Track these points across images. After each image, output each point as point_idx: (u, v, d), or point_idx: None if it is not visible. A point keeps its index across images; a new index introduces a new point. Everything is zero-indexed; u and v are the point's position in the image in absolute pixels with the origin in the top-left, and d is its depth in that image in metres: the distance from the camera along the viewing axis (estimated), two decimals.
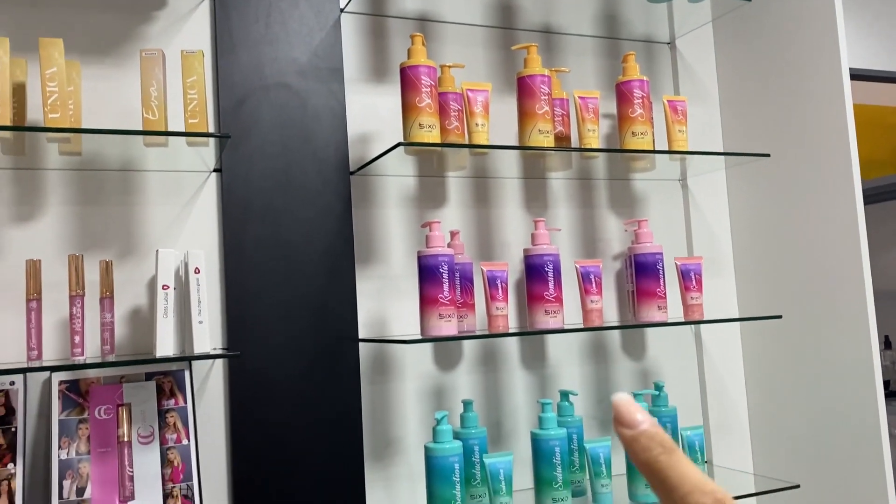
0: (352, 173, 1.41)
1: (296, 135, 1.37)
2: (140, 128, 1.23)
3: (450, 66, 1.38)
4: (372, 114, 1.46)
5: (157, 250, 1.11)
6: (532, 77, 1.33)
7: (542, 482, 1.28)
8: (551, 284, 1.30)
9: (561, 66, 1.62)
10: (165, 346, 1.09)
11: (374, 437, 1.39)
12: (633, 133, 1.41)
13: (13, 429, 1.13)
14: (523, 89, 1.33)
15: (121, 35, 1.29)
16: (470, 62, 1.55)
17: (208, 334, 1.12)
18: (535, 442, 1.29)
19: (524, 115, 1.33)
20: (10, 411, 1.14)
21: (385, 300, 1.43)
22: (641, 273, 1.39)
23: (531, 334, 1.33)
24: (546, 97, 1.33)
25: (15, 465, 1.11)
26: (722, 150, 1.75)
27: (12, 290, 1.17)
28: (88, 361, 1.10)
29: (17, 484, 1.10)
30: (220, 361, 1.29)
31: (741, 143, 1.71)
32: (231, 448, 1.28)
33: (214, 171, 1.33)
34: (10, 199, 1.20)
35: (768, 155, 1.51)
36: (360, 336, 1.39)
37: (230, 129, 1.31)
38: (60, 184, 1.23)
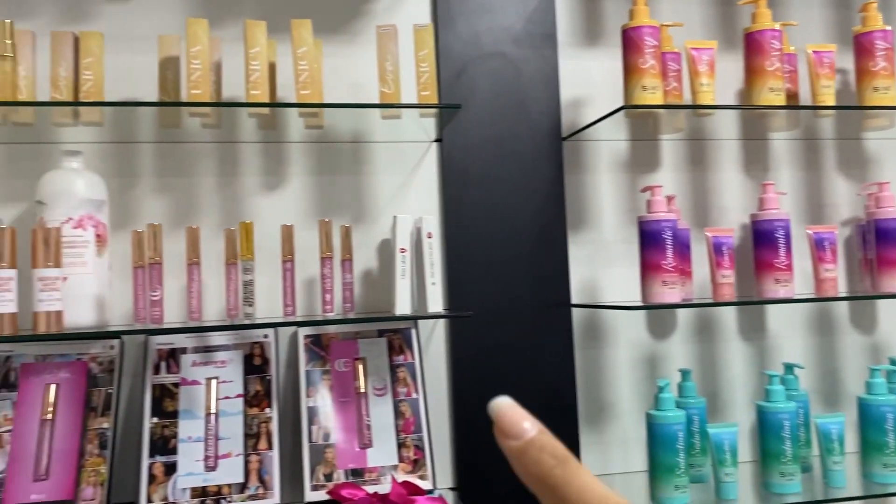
0: (564, 139, 1.41)
1: (510, 102, 1.39)
2: (371, 101, 1.31)
3: (668, 26, 1.34)
4: (584, 78, 1.45)
5: (395, 216, 1.18)
6: (762, 32, 1.26)
7: (768, 456, 1.23)
8: (782, 252, 1.23)
9: (787, 19, 1.51)
10: (403, 305, 1.16)
11: (588, 402, 1.41)
12: (874, 88, 1.30)
13: (268, 377, 1.26)
14: (752, 46, 1.27)
15: (349, 11, 1.37)
16: (683, 20, 1.49)
17: (440, 295, 1.17)
18: (762, 414, 1.24)
19: (753, 73, 1.26)
20: (265, 361, 1.27)
21: (597, 266, 1.43)
22: (883, 240, 1.29)
23: (763, 303, 1.28)
24: (777, 53, 1.25)
25: (271, 409, 1.24)
26: None
27: (265, 253, 1.29)
28: (337, 317, 1.19)
29: (274, 427, 1.23)
30: (441, 321, 1.36)
31: None
32: (453, 403, 1.35)
33: (435, 140, 1.38)
34: (260, 169, 1.32)
35: None
36: (573, 301, 1.40)
37: (450, 100, 1.35)
38: (302, 155, 1.34)
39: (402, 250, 1.16)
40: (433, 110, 1.20)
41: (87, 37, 1.13)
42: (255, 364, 1.26)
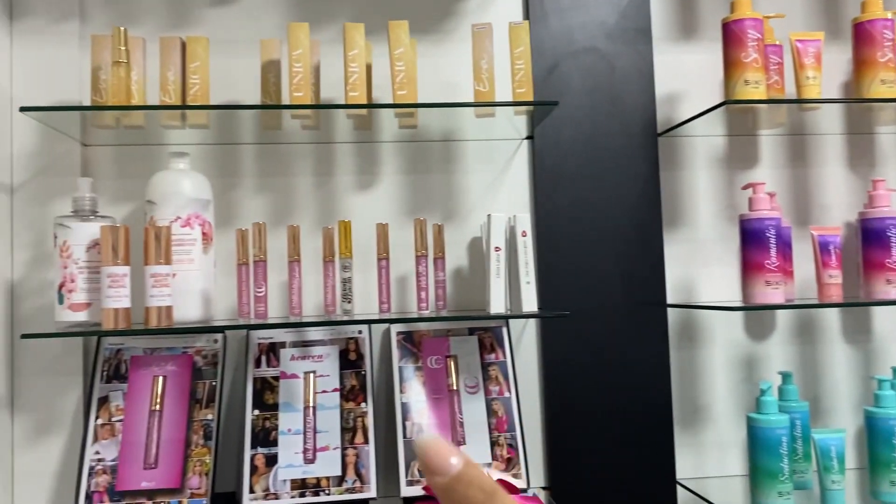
0: (659, 135, 1.38)
1: (603, 98, 1.37)
2: (462, 99, 1.31)
3: (770, 17, 1.29)
4: (680, 73, 1.42)
5: (490, 214, 1.18)
6: (872, 22, 1.20)
7: (878, 463, 1.18)
8: (895, 251, 1.18)
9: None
10: (498, 303, 1.16)
11: (683, 404, 1.38)
12: None
13: (363, 372, 1.28)
14: (862, 36, 1.21)
15: (441, 11, 1.37)
16: (783, 10, 1.44)
17: (534, 294, 1.17)
18: (871, 420, 1.19)
19: (863, 65, 1.21)
20: (360, 357, 1.29)
21: (693, 264, 1.40)
22: None
23: (875, 305, 1.23)
24: (890, 43, 1.19)
25: (366, 404, 1.26)
26: None
27: (359, 250, 1.31)
28: (428, 315, 1.21)
29: (369, 422, 1.25)
30: (532, 320, 1.35)
31: None
32: (544, 403, 1.34)
33: (527, 138, 1.38)
34: (354, 168, 1.35)
35: None
36: (669, 301, 1.37)
37: (542, 97, 1.34)
38: (394, 154, 1.36)
39: (497, 249, 1.16)
40: (527, 107, 1.19)
41: (194, 42, 1.17)
42: (350, 359, 1.29)
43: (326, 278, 1.20)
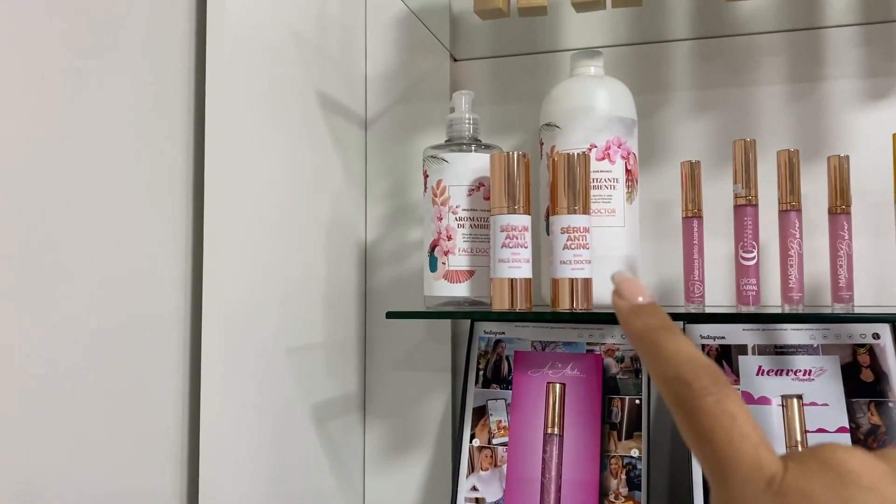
0: None
1: None
2: None
3: None
4: None
5: None
6: None
7: None
8: None
9: None
10: None
11: None
12: None
13: (891, 403, 0.76)
14: None
15: None
16: None
17: None
18: None
19: None
20: (879, 375, 0.77)
21: None
22: None
23: None
24: None
25: None
26: None
27: (863, 198, 0.79)
28: None
29: None
30: None
31: None
32: None
33: None
34: (858, 68, 0.82)
35: None
36: None
37: None
38: None
39: None
40: None
41: None
42: (861, 379, 0.77)
43: (837, 240, 0.70)
